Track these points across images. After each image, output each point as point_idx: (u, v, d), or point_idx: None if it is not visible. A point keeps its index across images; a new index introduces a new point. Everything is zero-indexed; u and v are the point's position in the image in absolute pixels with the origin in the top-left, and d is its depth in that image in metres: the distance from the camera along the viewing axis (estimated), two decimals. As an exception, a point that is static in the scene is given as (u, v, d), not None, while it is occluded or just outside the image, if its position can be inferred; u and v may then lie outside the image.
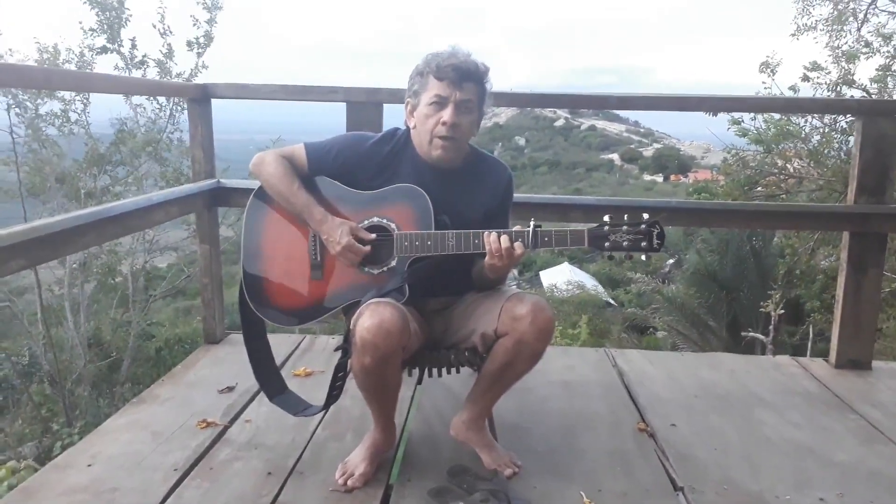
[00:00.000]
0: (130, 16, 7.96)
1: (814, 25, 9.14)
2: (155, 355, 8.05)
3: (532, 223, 1.83)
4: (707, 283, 10.70)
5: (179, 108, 8.12)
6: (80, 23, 7.82)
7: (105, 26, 7.84)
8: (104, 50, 7.92)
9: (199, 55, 8.25)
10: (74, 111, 7.73)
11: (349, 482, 1.93)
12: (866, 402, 2.64)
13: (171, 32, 8.12)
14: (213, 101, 2.99)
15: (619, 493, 1.96)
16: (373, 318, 1.72)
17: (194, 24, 8.13)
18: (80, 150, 7.87)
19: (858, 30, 8.90)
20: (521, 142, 74.38)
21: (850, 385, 2.82)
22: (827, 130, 8.10)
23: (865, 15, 8.96)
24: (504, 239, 1.81)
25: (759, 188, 8.72)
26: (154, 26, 8.01)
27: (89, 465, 2.04)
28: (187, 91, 2.93)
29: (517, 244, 1.81)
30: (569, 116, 78.31)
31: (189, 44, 8.20)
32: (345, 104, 2.87)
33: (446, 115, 1.88)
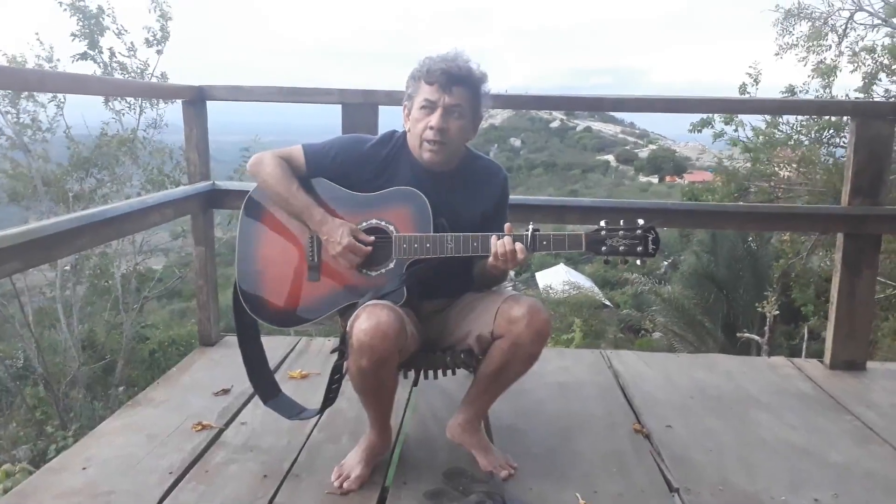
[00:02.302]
0: (107, 28, 8.01)
1: (795, 43, 9.28)
2: (149, 358, 8.04)
3: (531, 227, 1.84)
4: (703, 285, 10.74)
5: (150, 105, 8.13)
6: (69, 38, 7.82)
7: (86, 31, 7.87)
8: (84, 56, 7.94)
9: (159, 53, 8.30)
10: (43, 118, 7.74)
11: (345, 485, 1.93)
12: (861, 403, 2.65)
13: (125, 31, 8.20)
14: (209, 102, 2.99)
15: (615, 495, 1.96)
16: (370, 320, 1.72)
17: (149, 28, 8.20)
18: (62, 154, 7.90)
19: (839, 44, 9.03)
20: (517, 143, 74.42)
21: (844, 386, 2.82)
22: (811, 143, 8.20)
23: (845, 30, 9.09)
24: (508, 241, 1.82)
25: (750, 195, 8.79)
26: (108, 28, 8.08)
27: (84, 468, 2.04)
28: (182, 93, 2.92)
29: (518, 246, 1.82)
30: (564, 118, 78.38)
31: (147, 41, 8.24)
32: (340, 106, 2.87)
33: (433, 119, 1.89)
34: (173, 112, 8.35)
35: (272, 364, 2.59)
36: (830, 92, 8.08)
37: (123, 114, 8.23)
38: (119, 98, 8.00)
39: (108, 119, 8.15)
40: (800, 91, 8.26)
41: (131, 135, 8.13)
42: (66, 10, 7.78)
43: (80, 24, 7.83)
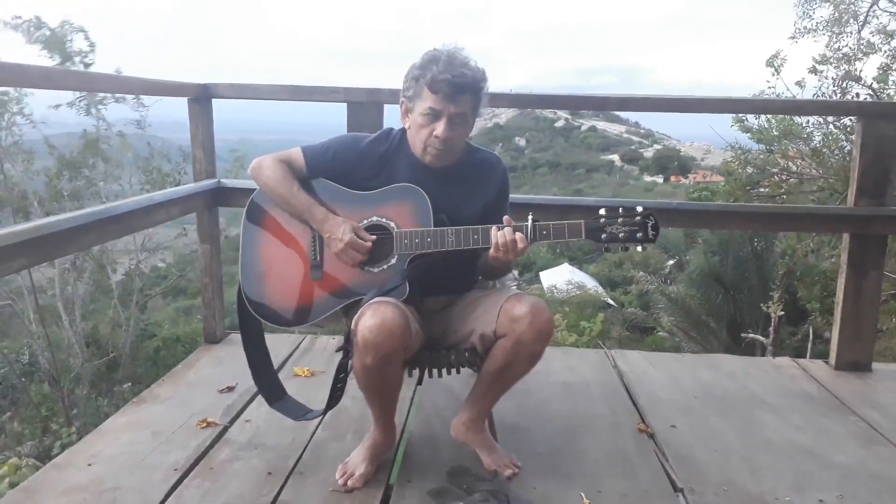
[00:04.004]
0: (74, 36, 7.99)
1: (814, 28, 9.17)
2: (153, 355, 8.08)
3: (530, 217, 1.84)
4: (708, 285, 10.71)
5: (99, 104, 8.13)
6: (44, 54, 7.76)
7: (55, 48, 7.87)
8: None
9: (87, 65, 8.25)
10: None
11: (349, 482, 1.94)
12: (866, 404, 2.64)
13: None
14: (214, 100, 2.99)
15: (619, 494, 1.96)
16: (375, 317, 1.73)
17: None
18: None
19: (859, 31, 8.92)
20: (522, 142, 74.35)
21: (849, 387, 2.82)
22: (829, 129, 8.11)
23: (866, 17, 8.99)
24: (508, 232, 1.82)
25: (761, 189, 8.73)
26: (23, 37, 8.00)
27: (90, 465, 2.05)
28: (188, 90, 2.92)
29: (518, 236, 1.82)
30: (569, 117, 78.27)
31: (79, 52, 8.20)
32: (345, 104, 2.87)
33: (439, 129, 1.87)
34: (157, 111, 8.44)
35: (277, 362, 2.60)
36: (859, 73, 7.91)
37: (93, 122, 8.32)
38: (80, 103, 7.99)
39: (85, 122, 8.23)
40: (830, 64, 8.10)
41: (96, 135, 8.21)
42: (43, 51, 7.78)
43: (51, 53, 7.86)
